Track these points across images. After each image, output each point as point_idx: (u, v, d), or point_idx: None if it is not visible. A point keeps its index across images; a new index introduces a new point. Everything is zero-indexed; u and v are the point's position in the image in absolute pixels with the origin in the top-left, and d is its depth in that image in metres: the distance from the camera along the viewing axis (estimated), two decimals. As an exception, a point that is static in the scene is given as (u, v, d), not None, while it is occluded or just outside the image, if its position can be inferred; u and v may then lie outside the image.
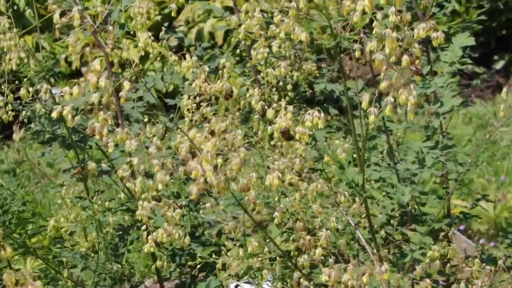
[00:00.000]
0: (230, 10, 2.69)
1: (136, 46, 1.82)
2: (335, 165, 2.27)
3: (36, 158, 4.77)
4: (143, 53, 1.80)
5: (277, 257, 1.92)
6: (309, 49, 2.55)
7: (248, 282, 2.16)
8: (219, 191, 1.57)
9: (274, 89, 2.54)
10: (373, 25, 1.50)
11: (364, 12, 1.51)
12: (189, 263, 2.29)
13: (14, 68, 2.22)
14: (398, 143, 2.77)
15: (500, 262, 1.74)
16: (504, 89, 1.77)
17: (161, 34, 2.32)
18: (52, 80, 2.43)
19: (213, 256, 2.06)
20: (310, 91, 2.76)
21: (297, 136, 1.63)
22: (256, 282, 2.06)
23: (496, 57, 5.67)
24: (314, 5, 1.59)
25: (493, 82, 5.56)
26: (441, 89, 2.41)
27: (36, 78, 2.36)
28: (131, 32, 2.19)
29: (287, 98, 2.58)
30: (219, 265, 1.92)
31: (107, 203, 2.35)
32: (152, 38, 1.96)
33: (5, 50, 2.22)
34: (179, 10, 5.73)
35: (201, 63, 1.92)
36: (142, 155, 1.62)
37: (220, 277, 2.30)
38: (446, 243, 1.86)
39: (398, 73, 1.45)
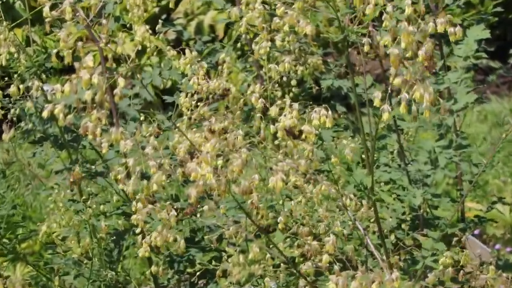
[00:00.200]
0: (232, 1, 2.69)
1: (132, 40, 1.82)
2: (342, 166, 2.27)
3: (27, 158, 4.77)
4: (139, 48, 1.80)
5: (281, 264, 1.92)
6: (314, 43, 2.55)
7: (250, 290, 2.16)
8: (220, 194, 1.57)
9: (278, 85, 2.54)
10: (383, 18, 1.50)
11: (376, 4, 1.51)
12: (188, 269, 2.30)
13: (3, 63, 2.22)
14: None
15: (517, 268, 1.74)
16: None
17: (159, 27, 2.32)
18: (43, 76, 2.43)
19: (213, 262, 2.06)
20: (316, 87, 2.76)
21: (303, 135, 1.63)
22: (259, 290, 2.06)
23: (512, 51, 5.67)
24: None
25: (510, 78, 5.56)
26: (455, 85, 2.40)
27: (27, 74, 2.36)
28: (127, 25, 2.19)
29: (291, 94, 2.58)
30: (219, 272, 1.91)
31: (101, 206, 2.35)
32: (149, 31, 1.95)
33: (-6, 44, 2.22)
34: (178, 2, 5.73)
35: (200, 58, 1.91)
36: (138, 156, 1.62)
37: (220, 285, 2.29)
38: (459, 249, 1.86)
39: (412, 68, 1.45)
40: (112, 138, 1.60)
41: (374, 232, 2.12)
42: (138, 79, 1.82)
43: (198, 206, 1.87)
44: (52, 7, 1.60)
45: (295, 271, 1.87)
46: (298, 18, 1.62)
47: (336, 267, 1.69)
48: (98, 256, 2.34)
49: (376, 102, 1.50)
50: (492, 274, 1.74)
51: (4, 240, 2.50)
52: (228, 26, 5.31)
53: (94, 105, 1.56)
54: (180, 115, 2.04)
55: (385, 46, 1.47)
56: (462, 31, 1.52)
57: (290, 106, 1.66)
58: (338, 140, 2.11)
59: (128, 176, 1.67)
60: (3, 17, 2.23)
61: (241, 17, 1.99)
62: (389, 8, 1.50)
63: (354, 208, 1.89)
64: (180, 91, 2.04)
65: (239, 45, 2.74)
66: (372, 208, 1.83)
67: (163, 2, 5.59)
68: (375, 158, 2.47)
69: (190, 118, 1.90)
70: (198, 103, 1.88)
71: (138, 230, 1.75)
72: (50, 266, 2.52)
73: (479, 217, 2.64)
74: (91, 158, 2.72)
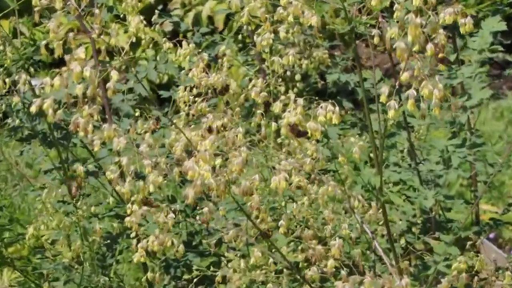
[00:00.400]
0: (232, -9, 2.68)
1: (126, 32, 1.82)
2: (349, 165, 2.27)
3: (14, 157, 4.77)
4: (134, 40, 1.80)
5: (284, 269, 1.92)
6: (320, 35, 2.54)
7: (251, 297, 2.16)
8: (219, 195, 1.57)
9: (281, 79, 2.54)
10: (394, 8, 1.49)
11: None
12: (185, 275, 2.29)
13: (-12, 57, 2.22)
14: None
15: (535, 275, 1.74)
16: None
17: (154, 17, 2.32)
18: (31, 69, 2.43)
19: (212, 268, 2.05)
20: (322, 82, 2.76)
21: (308, 133, 1.63)
22: (260, 297, 2.06)
23: (530, 44, 5.67)
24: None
25: (527, 72, 5.55)
26: (469, 80, 2.40)
27: (14, 68, 2.36)
28: (121, 16, 2.19)
29: (295, 89, 2.58)
30: (218, 278, 1.91)
31: (93, 208, 2.35)
32: (144, 22, 1.95)
33: (-22, 36, 2.22)
34: (175, -9, 5.73)
35: (199, 51, 1.91)
36: (133, 154, 1.62)
37: (219, 292, 2.30)
38: (474, 254, 1.86)
39: (421, 63, 1.44)
40: (105, 136, 1.60)
41: (382, 236, 2.12)
42: (133, 73, 1.82)
43: (197, 207, 1.87)
44: (41, -4, 1.60)
45: (299, 277, 1.87)
46: (303, 9, 1.62)
47: (343, 272, 1.68)
48: (89, 260, 2.34)
49: (383, 98, 1.50)
50: (509, 280, 1.74)
51: (-10, 243, 2.50)
52: (228, 17, 5.32)
53: (86, 100, 1.56)
54: (177, 111, 2.04)
55: (392, 39, 1.47)
56: (477, 23, 1.52)
57: (295, 101, 1.66)
58: (345, 138, 2.11)
59: (122, 176, 1.67)
60: (-12, 7, 2.24)
61: (242, 7, 1.99)
62: (400, -3, 1.49)
63: (361, 210, 1.89)
64: (177, 86, 2.04)
65: (240, 37, 2.74)
66: (381, 210, 1.83)
67: (159, -8, 5.59)
68: (384, 157, 2.47)
69: (188, 114, 1.90)
70: (196, 98, 1.88)
71: (133, 234, 1.75)
72: (39, 271, 2.52)
73: (494, 220, 2.64)
74: (82, 157, 2.72)
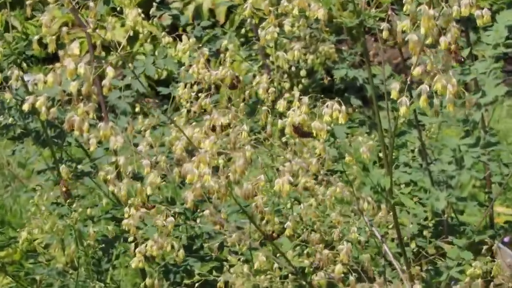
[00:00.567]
0: (234, -18, 2.69)
1: (123, 25, 1.81)
2: (357, 166, 2.27)
3: (6, 157, 4.78)
4: (131, 34, 1.80)
5: (289, 275, 1.92)
6: (327, 29, 2.54)
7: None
8: (220, 197, 1.56)
9: (286, 75, 2.54)
10: (404, 1, 1.49)
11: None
12: (186, 281, 2.29)
13: (-21, 51, 2.22)
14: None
15: (552, 281, 1.73)
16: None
17: (153, 10, 2.32)
18: (24, 65, 2.43)
19: (214, 273, 2.06)
20: (328, 78, 2.76)
21: (313, 133, 1.63)
22: (264, 304, 2.06)
23: (547, 39, 5.66)
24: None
25: (544, 68, 5.55)
26: (483, 76, 2.40)
27: (6, 63, 2.36)
28: (117, 9, 2.19)
29: (300, 86, 2.58)
30: (220, 284, 1.91)
31: (88, 210, 2.34)
32: (142, 15, 1.95)
33: (-32, 30, 2.22)
34: (174, -17, 5.73)
35: (200, 45, 1.91)
36: (130, 154, 1.62)
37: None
38: (489, 258, 1.86)
39: (434, 57, 1.44)
40: (101, 134, 1.60)
41: (393, 240, 2.12)
42: (130, 68, 1.81)
43: (197, 210, 1.87)
44: (34, -13, 1.60)
45: (305, 282, 1.87)
46: (309, 1, 1.61)
47: (351, 278, 1.68)
48: (84, 265, 2.34)
49: (393, 94, 1.50)
50: (525, 286, 1.74)
51: (-19, 247, 2.50)
52: (230, 10, 5.32)
53: (81, 97, 1.56)
54: (177, 108, 2.04)
55: (404, 32, 1.47)
56: (492, 16, 1.52)
57: (299, 100, 1.65)
58: (353, 137, 2.11)
59: (119, 176, 1.67)
60: (-21, -1, 2.24)
61: (245, 0, 1.98)
62: (410, -11, 1.49)
63: (371, 212, 1.88)
64: (177, 82, 2.04)
65: (243, 31, 2.74)
66: (391, 213, 1.83)
67: (158, -17, 5.60)
68: (394, 157, 2.47)
69: (189, 111, 1.90)
70: (199, 94, 1.88)
71: (131, 238, 1.74)
72: (32, 276, 2.52)
73: (510, 223, 2.64)
74: (77, 157, 2.72)
